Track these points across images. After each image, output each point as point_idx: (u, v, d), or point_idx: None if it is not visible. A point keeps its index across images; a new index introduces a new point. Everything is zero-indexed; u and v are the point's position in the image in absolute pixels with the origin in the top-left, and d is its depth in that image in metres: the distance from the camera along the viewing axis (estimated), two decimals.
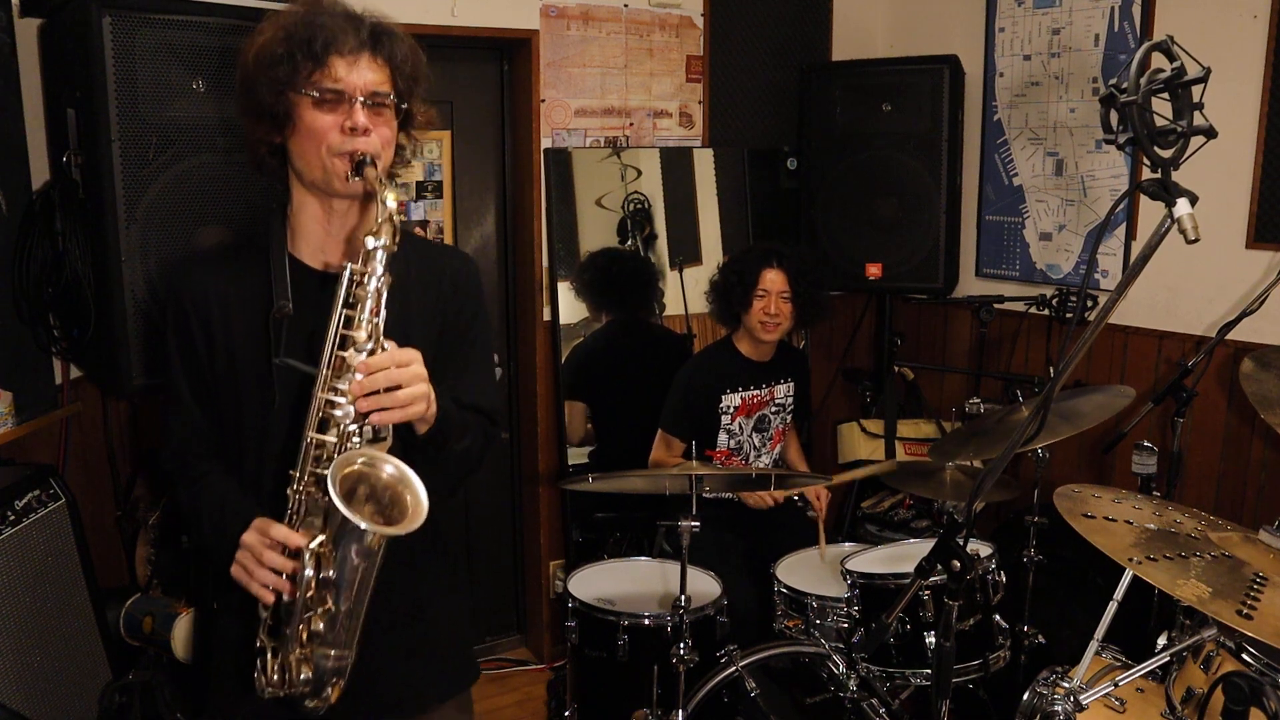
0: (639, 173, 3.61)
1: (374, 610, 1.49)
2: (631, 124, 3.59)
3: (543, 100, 3.39)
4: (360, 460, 1.38)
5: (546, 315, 3.49)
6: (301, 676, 1.39)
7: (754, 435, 3.16)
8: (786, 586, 2.61)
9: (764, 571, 2.74)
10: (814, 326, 3.68)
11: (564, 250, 3.48)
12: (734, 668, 2.31)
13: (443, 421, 1.49)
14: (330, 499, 1.31)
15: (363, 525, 1.32)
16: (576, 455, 3.58)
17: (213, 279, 1.56)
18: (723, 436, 3.11)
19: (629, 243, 3.61)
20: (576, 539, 3.56)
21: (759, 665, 2.34)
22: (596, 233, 3.54)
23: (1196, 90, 1.31)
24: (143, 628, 2.53)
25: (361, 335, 1.39)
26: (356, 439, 1.40)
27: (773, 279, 3.04)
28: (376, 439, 1.41)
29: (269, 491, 1.49)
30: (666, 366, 3.22)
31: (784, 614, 2.62)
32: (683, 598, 2.30)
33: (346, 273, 1.40)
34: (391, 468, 1.39)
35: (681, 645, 2.26)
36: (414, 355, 1.41)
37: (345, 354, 1.38)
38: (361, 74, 1.47)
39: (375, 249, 1.39)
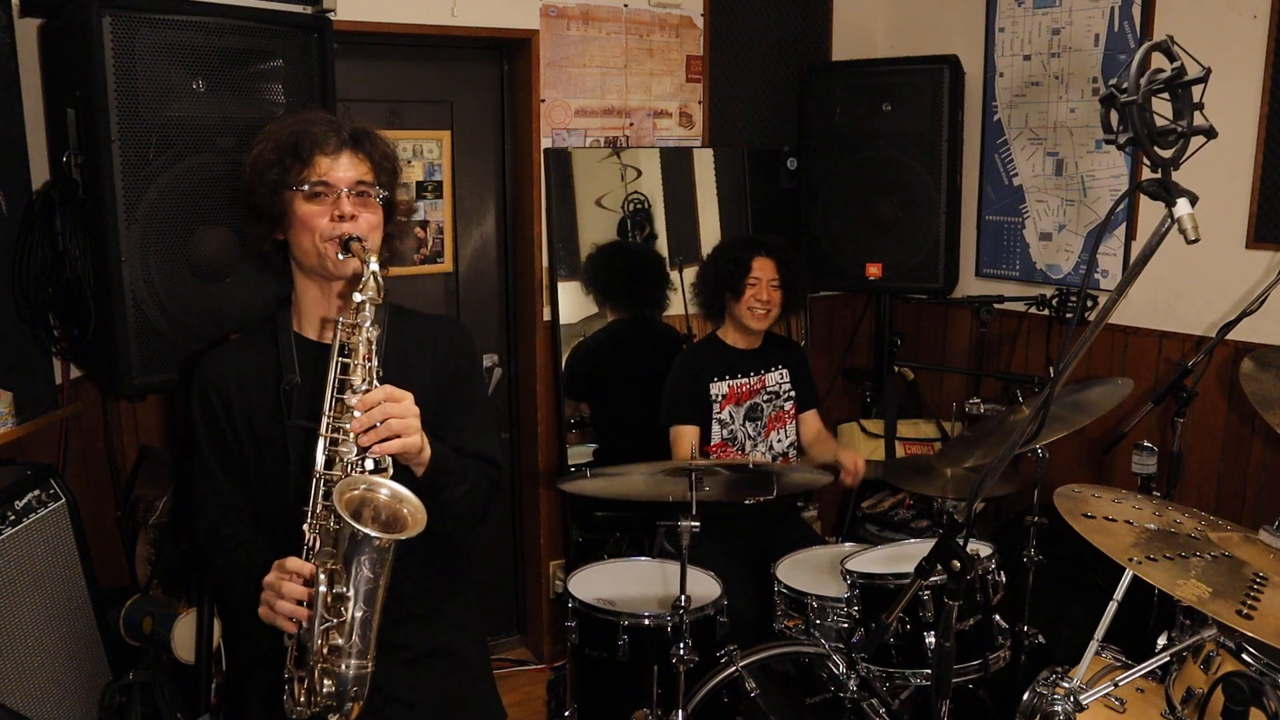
0: (639, 173, 3.61)
1: (396, 653, 1.71)
2: (631, 124, 3.59)
3: (543, 100, 3.39)
4: (361, 486, 1.51)
5: (546, 315, 3.49)
6: (325, 689, 1.49)
7: (747, 425, 3.16)
8: (786, 586, 2.61)
9: (764, 571, 2.74)
10: (793, 315, 3.68)
11: (564, 250, 3.48)
12: (734, 668, 2.31)
13: (439, 463, 1.63)
14: (336, 512, 1.45)
15: (372, 534, 1.45)
16: (577, 455, 3.59)
17: (230, 365, 1.76)
18: (715, 428, 3.11)
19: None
20: (576, 539, 3.56)
21: (759, 665, 2.34)
22: (596, 233, 3.54)
23: (1196, 90, 1.31)
24: (143, 628, 2.53)
25: (357, 379, 1.54)
26: (359, 471, 1.55)
27: (763, 266, 3.08)
28: (378, 470, 1.55)
29: (290, 539, 1.60)
30: (669, 364, 3.22)
31: (784, 614, 2.62)
32: (683, 598, 2.30)
33: (339, 323, 1.58)
34: (387, 491, 1.53)
35: (681, 645, 2.26)
36: (406, 394, 1.56)
37: (344, 396, 1.55)
38: (344, 169, 1.66)
39: (363, 302, 1.55)
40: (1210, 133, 1.31)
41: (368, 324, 1.55)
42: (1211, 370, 3.00)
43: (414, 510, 1.51)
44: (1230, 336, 2.75)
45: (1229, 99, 2.94)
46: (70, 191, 2.25)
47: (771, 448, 3.20)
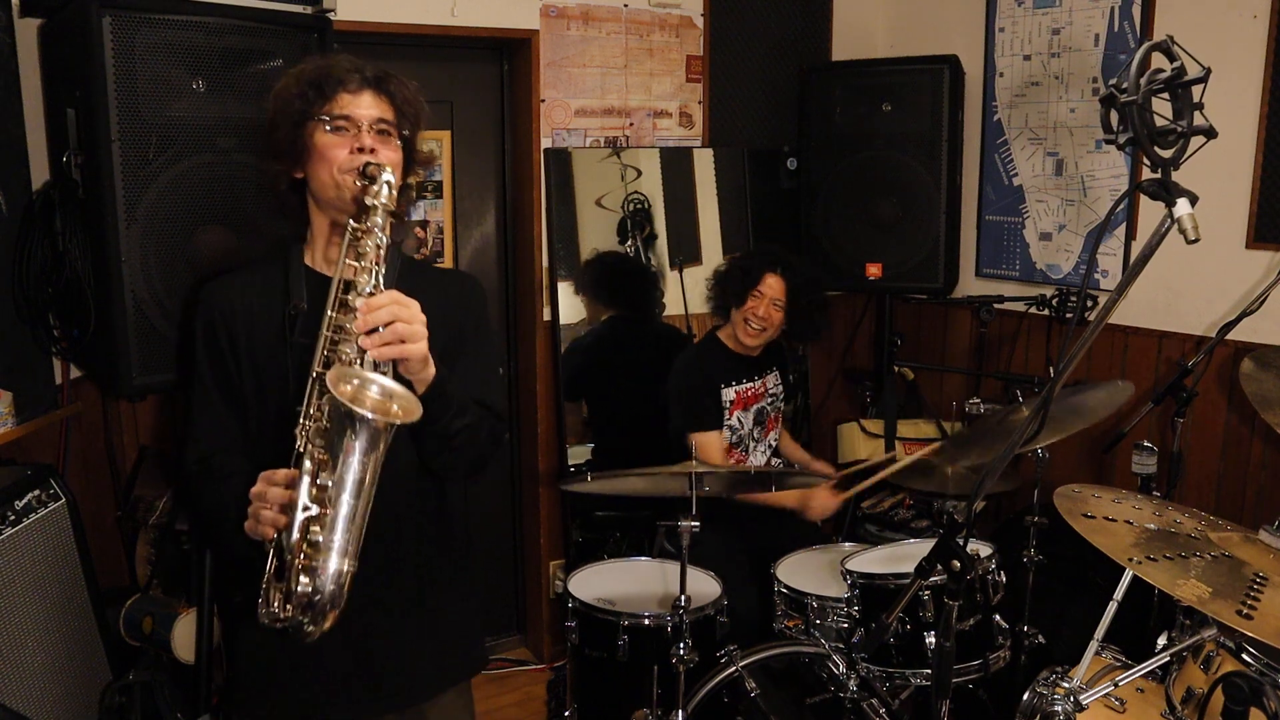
0: (639, 173, 3.61)
1: (381, 595, 1.68)
2: (631, 124, 3.59)
3: (543, 100, 3.39)
4: (354, 380, 1.44)
5: (546, 315, 3.49)
6: (300, 588, 1.40)
7: (754, 429, 3.16)
8: (786, 586, 2.61)
9: (764, 571, 2.74)
10: (806, 344, 3.65)
11: (564, 250, 3.48)
12: (734, 668, 2.31)
13: (441, 384, 1.58)
14: (327, 398, 1.41)
15: (361, 411, 1.37)
16: (577, 455, 3.58)
17: (238, 291, 1.74)
18: (725, 432, 3.10)
19: (629, 243, 3.61)
20: (576, 539, 3.56)
21: (759, 665, 2.34)
22: (596, 233, 3.54)
23: (1196, 90, 1.31)
24: (143, 628, 2.53)
25: (364, 280, 1.50)
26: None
27: (772, 284, 3.04)
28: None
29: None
30: (667, 363, 3.21)
31: (784, 614, 2.62)
32: (683, 598, 2.30)
33: (348, 227, 1.55)
34: (378, 387, 1.46)
35: (681, 645, 2.26)
36: (413, 301, 1.52)
37: (348, 297, 1.50)
38: (366, 106, 1.65)
39: (374, 206, 1.52)
40: (1210, 133, 1.31)
41: (378, 230, 1.51)
42: (1211, 370, 3.00)
43: (405, 403, 1.44)
44: (1230, 336, 2.76)
45: (1229, 99, 2.94)
46: (70, 191, 2.25)
47: (771, 445, 3.22)
